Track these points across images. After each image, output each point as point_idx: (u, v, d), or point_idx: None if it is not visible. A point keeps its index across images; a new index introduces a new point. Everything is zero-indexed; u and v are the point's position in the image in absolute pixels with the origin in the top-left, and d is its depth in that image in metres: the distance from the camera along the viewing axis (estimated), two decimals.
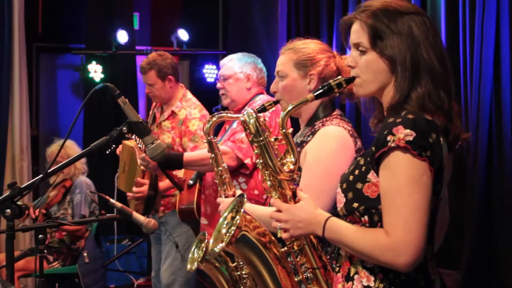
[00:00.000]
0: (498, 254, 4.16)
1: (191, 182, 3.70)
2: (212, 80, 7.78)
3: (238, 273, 2.38)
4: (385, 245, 1.71)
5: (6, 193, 2.41)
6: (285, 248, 2.01)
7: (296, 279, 2.01)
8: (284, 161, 1.95)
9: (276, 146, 1.99)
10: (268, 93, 3.21)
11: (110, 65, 7.62)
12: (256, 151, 1.96)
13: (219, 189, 2.69)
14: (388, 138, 1.72)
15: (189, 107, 4.31)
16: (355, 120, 5.31)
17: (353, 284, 1.84)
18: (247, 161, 3.47)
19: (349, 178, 1.86)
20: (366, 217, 1.81)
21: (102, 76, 7.48)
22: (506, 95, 4.10)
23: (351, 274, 1.86)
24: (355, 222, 1.84)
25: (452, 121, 1.82)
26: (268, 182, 1.95)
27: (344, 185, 1.87)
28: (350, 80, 1.90)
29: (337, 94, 2.00)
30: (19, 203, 2.38)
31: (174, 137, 4.21)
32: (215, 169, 2.69)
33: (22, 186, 2.42)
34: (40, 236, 2.54)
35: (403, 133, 1.70)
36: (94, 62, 7.46)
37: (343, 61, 2.63)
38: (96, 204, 5.40)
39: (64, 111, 8.00)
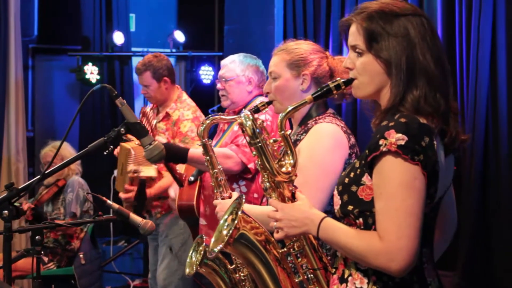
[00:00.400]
0: (494, 256, 4.17)
1: (192, 178, 3.67)
2: (209, 81, 7.77)
3: (237, 275, 2.38)
4: (378, 249, 1.71)
5: (3, 194, 2.41)
6: (285, 249, 2.01)
7: (296, 280, 2.01)
8: (283, 162, 1.95)
9: (276, 148, 1.99)
10: None
11: (106, 67, 7.62)
12: (253, 153, 1.97)
13: (215, 191, 2.69)
14: (380, 142, 1.72)
15: (182, 108, 4.30)
16: (352, 120, 5.31)
17: (346, 286, 1.85)
18: (251, 165, 3.46)
19: (344, 181, 1.86)
20: (360, 220, 1.81)
21: (98, 77, 7.47)
22: (502, 97, 4.11)
23: (345, 276, 1.86)
24: (350, 225, 1.84)
25: (449, 123, 1.81)
26: (267, 184, 1.96)
27: (340, 188, 1.87)
28: (349, 82, 1.91)
29: (336, 95, 2.00)
30: (16, 204, 2.38)
31: (169, 139, 4.21)
32: (210, 171, 2.69)
33: (19, 188, 2.42)
34: (37, 237, 2.53)
35: (394, 137, 1.70)
36: (90, 64, 7.45)
37: (335, 61, 2.66)
38: (90, 204, 5.39)
39: (60, 112, 7.98)
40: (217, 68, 7.91)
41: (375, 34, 1.82)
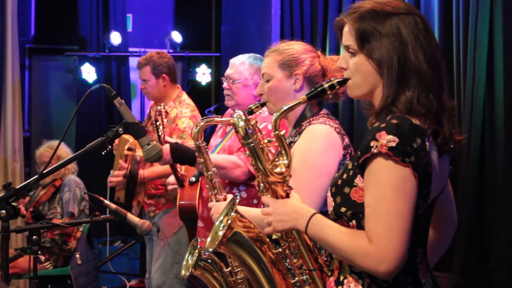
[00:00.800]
0: (490, 256, 4.17)
1: (193, 179, 3.66)
2: (206, 82, 7.78)
3: (233, 278, 2.37)
4: (367, 251, 1.69)
5: (1, 194, 2.42)
6: (280, 250, 2.01)
7: (292, 281, 2.01)
8: (277, 162, 1.93)
9: (271, 148, 1.99)
10: None
11: (103, 67, 7.62)
12: (247, 153, 1.96)
13: (210, 193, 2.69)
14: (372, 143, 1.71)
15: (180, 107, 4.32)
16: (349, 120, 5.32)
17: None
18: None
19: (337, 182, 1.85)
20: (354, 222, 1.80)
21: (95, 77, 7.48)
22: (499, 97, 4.12)
23: (341, 279, 1.85)
24: (344, 226, 1.82)
25: (443, 124, 1.80)
26: (261, 184, 1.95)
27: (333, 189, 1.86)
28: (343, 82, 1.90)
29: (330, 95, 2.00)
30: (14, 204, 2.39)
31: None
32: (205, 173, 2.69)
33: (17, 187, 2.42)
34: (34, 237, 2.53)
35: (385, 139, 1.69)
36: (87, 64, 7.46)
37: (327, 61, 2.67)
38: (87, 203, 5.39)
39: (57, 112, 7.97)
40: (214, 68, 7.92)
41: (367, 34, 1.81)
